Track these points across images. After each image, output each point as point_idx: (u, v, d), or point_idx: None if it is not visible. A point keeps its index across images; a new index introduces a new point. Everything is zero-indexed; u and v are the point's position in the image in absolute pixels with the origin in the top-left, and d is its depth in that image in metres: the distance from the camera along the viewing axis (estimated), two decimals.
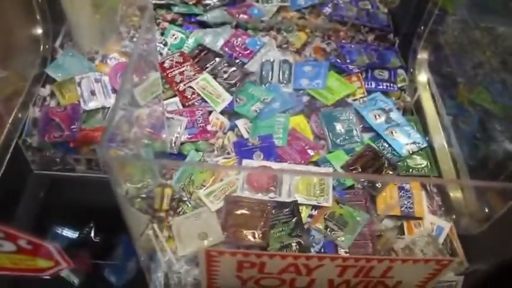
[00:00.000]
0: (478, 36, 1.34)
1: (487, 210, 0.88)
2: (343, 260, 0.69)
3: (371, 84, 1.16)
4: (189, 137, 1.01)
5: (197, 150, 1.00)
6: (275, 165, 0.96)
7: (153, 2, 1.28)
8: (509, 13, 1.26)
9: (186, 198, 0.93)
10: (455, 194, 0.97)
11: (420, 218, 0.94)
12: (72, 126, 1.01)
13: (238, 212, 0.88)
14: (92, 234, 1.02)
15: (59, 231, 1.01)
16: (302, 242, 0.86)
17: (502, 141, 1.11)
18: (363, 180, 0.98)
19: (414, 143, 1.04)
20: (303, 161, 0.98)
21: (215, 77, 1.12)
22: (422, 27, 1.20)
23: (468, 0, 1.30)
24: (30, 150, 1.01)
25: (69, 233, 1.01)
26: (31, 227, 1.00)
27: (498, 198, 0.87)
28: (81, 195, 1.05)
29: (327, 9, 1.33)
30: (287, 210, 0.89)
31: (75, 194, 1.05)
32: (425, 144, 1.05)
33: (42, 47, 1.15)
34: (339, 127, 1.05)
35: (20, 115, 1.04)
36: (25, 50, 1.13)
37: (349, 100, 1.12)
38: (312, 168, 0.98)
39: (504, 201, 0.83)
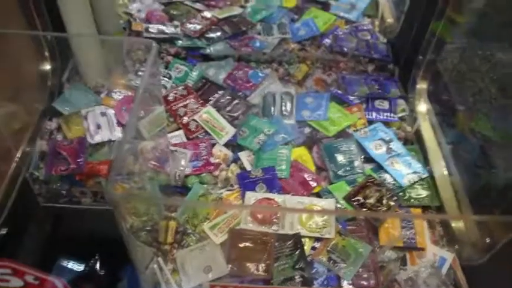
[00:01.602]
0: (477, 63, 1.36)
1: (488, 240, 0.89)
2: None
3: (372, 114, 1.19)
4: (193, 169, 1.03)
5: (201, 182, 1.02)
6: (278, 197, 0.98)
7: (157, 36, 1.31)
8: (506, 39, 1.28)
9: (190, 231, 0.94)
10: (457, 224, 0.98)
11: (423, 249, 0.94)
12: (78, 160, 1.02)
13: (242, 244, 0.89)
14: (98, 267, 1.03)
15: (65, 264, 1.02)
16: (305, 275, 0.86)
17: (503, 169, 1.12)
18: (365, 210, 0.99)
19: (415, 172, 1.06)
20: (305, 193, 0.99)
21: (218, 109, 1.14)
22: (421, 57, 1.22)
23: (466, 28, 1.32)
24: (37, 183, 1.03)
25: (75, 266, 1.02)
26: (37, 260, 1.01)
27: (500, 227, 0.88)
28: (87, 227, 1.06)
29: (327, 41, 1.36)
30: (290, 242, 0.90)
31: (81, 226, 1.06)
32: (426, 174, 1.06)
33: (50, 82, 1.18)
34: (340, 158, 1.06)
35: (28, 149, 1.06)
36: (33, 86, 1.16)
37: (350, 131, 1.14)
38: (314, 199, 0.99)
39: (506, 230, 0.84)
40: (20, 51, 1.10)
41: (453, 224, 0.98)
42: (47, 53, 1.16)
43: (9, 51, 1.02)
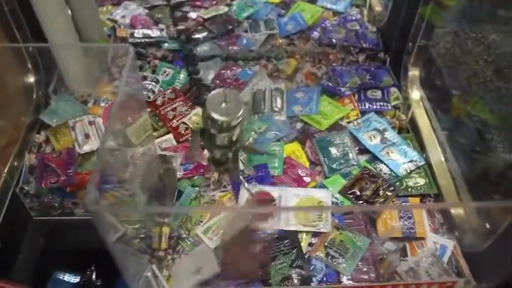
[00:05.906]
0: (470, 46, 1.34)
1: (488, 226, 0.87)
2: None
3: (364, 105, 1.16)
4: (184, 173, 1.01)
5: (193, 185, 1.00)
6: (273, 190, 0.96)
7: (143, 40, 1.30)
8: (498, 20, 1.26)
9: (184, 236, 0.92)
10: (457, 211, 0.96)
11: (422, 238, 0.92)
12: (68, 171, 1.01)
13: (237, 245, 0.88)
14: (94, 277, 1.01)
15: (60, 277, 1.00)
16: (303, 273, 0.84)
17: (501, 151, 1.10)
18: (361, 203, 0.96)
19: (411, 161, 1.04)
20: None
21: None
22: (411, 43, 1.20)
23: (456, 11, 1.30)
24: (28, 197, 1.02)
25: (71, 278, 1.00)
26: (32, 274, 0.99)
27: (499, 212, 0.86)
28: (82, 238, 1.04)
29: (316, 34, 1.34)
30: (287, 241, 0.89)
31: (76, 238, 1.05)
32: (422, 162, 1.04)
33: (35, 94, 1.16)
34: (334, 152, 1.04)
35: (16, 163, 1.05)
36: (18, 99, 1.15)
37: (343, 123, 1.12)
38: (311, 191, 0.97)
39: (506, 214, 0.82)
40: (2, 65, 1.08)
41: (452, 211, 0.96)
42: (30, 65, 1.14)
43: None
